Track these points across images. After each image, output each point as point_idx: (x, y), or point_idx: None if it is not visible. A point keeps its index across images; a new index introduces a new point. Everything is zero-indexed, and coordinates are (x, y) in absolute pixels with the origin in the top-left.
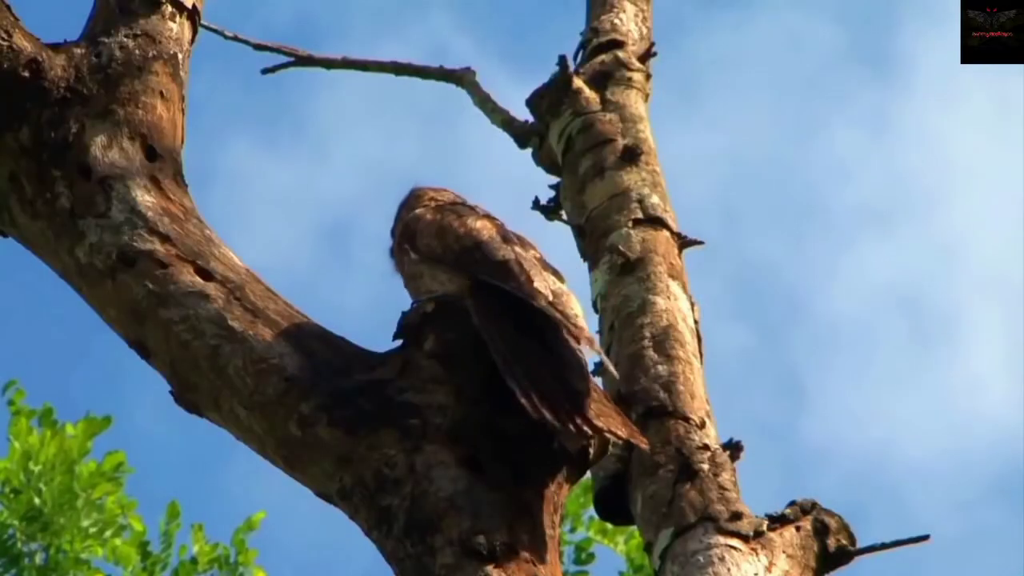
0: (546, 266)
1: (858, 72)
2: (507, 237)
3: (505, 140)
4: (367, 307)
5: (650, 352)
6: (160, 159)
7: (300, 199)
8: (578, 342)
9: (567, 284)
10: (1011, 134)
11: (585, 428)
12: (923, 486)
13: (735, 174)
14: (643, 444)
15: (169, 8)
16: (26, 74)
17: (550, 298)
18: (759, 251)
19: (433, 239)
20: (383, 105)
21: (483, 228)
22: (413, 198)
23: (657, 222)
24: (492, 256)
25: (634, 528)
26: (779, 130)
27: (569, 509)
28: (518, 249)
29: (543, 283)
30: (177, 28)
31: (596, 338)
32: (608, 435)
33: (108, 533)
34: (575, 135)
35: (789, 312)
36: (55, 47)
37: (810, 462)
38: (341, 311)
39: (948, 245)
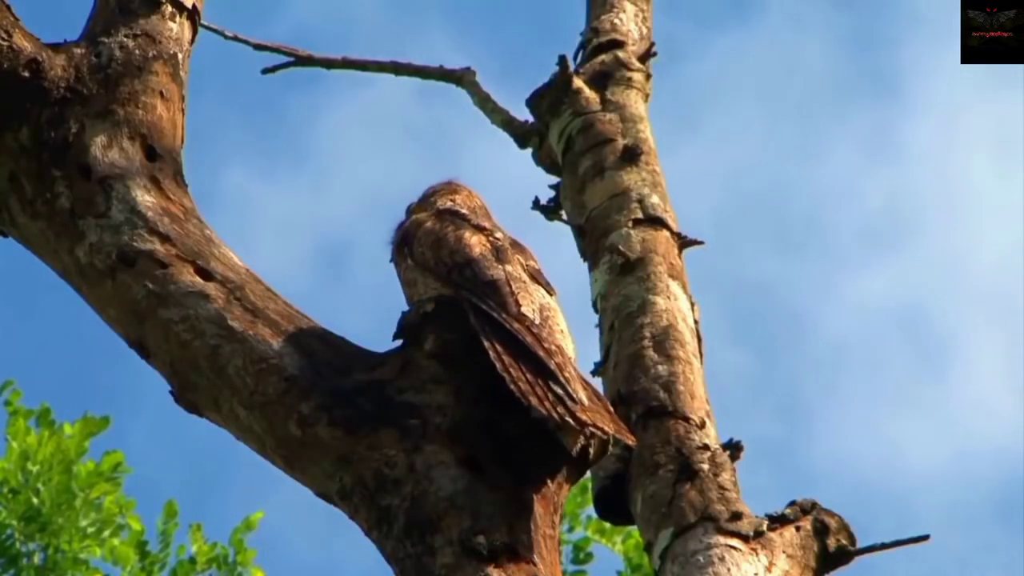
0: (538, 278)
1: (856, 93)
2: (499, 254)
3: (503, 148)
4: (365, 332)
5: (650, 352)
6: (160, 159)
7: (298, 223)
8: (552, 361)
9: (556, 297)
10: (1011, 153)
11: (568, 420)
12: (926, 504)
13: (734, 195)
14: (629, 440)
15: (169, 8)
16: (26, 74)
17: (536, 320)
18: (758, 272)
19: (428, 249)
20: (381, 128)
21: (476, 244)
22: (424, 198)
23: (657, 222)
24: (482, 276)
25: (632, 528)
26: (777, 151)
27: (567, 509)
28: (508, 268)
29: (529, 305)
30: (177, 28)
31: (571, 359)
32: (593, 430)
33: (106, 533)
34: (575, 135)
35: (789, 333)
36: (55, 47)
37: (811, 482)
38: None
39: (948, 264)
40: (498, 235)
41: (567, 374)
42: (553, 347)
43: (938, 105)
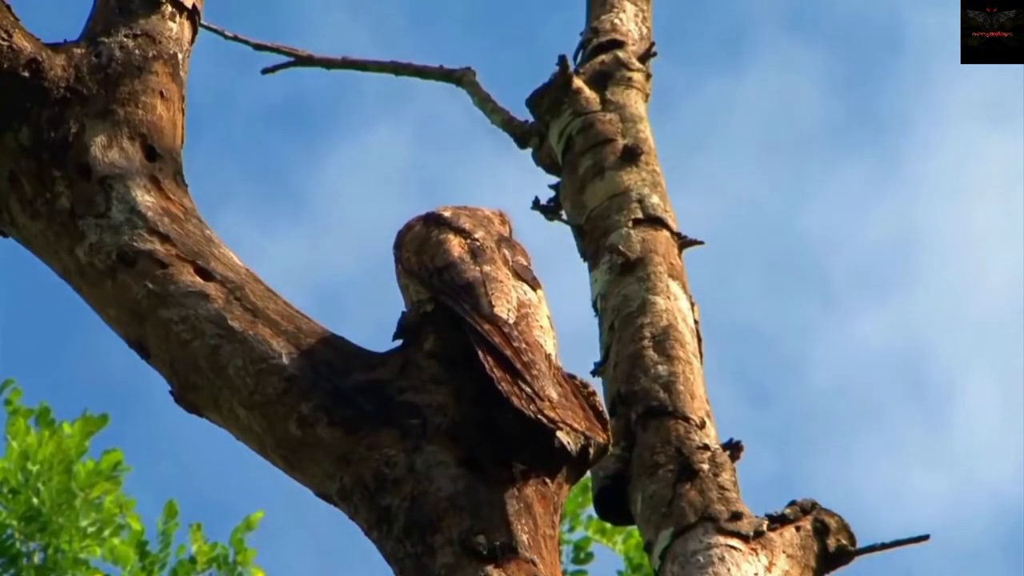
0: (523, 275)
1: (852, 135)
2: (476, 255)
3: (500, 186)
4: None
5: (650, 352)
6: (160, 159)
7: (295, 272)
8: (519, 360)
9: (542, 291)
10: (1010, 194)
11: (540, 418)
12: (923, 549)
13: (727, 237)
14: (600, 438)
15: (169, 8)
16: (26, 74)
17: (511, 319)
18: (751, 314)
19: (413, 255)
20: (379, 175)
21: (455, 247)
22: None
23: (657, 222)
24: (458, 280)
25: (633, 527)
26: (772, 193)
27: (568, 508)
28: (487, 268)
29: (504, 304)
30: (177, 28)
31: (547, 355)
32: (563, 427)
33: (106, 532)
34: (575, 135)
35: (784, 376)
36: (55, 47)
37: None
38: None
39: (947, 306)
40: (478, 235)
41: (535, 371)
42: (523, 345)
43: (936, 147)
